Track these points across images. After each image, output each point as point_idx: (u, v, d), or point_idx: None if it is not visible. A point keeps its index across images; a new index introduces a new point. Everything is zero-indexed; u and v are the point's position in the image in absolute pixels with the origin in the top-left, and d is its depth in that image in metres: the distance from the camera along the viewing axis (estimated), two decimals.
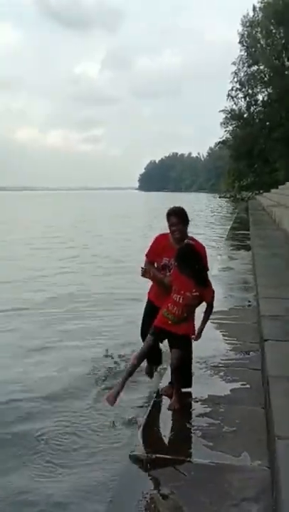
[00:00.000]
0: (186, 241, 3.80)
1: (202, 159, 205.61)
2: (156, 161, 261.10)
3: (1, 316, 8.15)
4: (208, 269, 3.89)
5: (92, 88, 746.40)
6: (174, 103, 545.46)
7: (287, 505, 2.04)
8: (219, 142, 73.76)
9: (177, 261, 3.72)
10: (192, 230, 4.09)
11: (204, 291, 3.71)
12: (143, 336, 4.15)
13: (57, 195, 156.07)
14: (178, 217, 3.81)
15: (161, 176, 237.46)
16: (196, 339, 3.84)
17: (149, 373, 4.66)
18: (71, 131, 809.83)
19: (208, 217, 36.58)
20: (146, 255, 4.09)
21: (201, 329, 3.84)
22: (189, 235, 3.91)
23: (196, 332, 3.81)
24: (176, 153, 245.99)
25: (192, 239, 3.88)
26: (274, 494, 2.43)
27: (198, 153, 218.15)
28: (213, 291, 3.85)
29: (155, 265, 4.03)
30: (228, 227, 22.54)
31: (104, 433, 4.02)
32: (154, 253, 4.02)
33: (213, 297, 3.84)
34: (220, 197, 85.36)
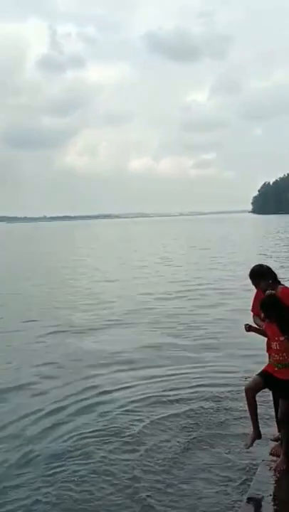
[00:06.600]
0: (267, 292, 4.09)
1: None
2: (271, 183, 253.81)
3: None
4: None
5: (202, 115, 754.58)
6: (286, 123, 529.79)
7: None
8: None
9: (262, 311, 4.04)
10: None
11: None
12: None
13: (171, 221, 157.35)
14: (251, 278, 4.33)
15: (276, 197, 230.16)
16: None
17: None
18: (182, 157, 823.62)
19: None
20: (251, 310, 4.57)
21: None
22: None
23: None
24: None
25: (281, 287, 4.13)
26: None
27: None
28: None
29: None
30: None
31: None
32: (256, 307, 4.40)
33: None
34: None
